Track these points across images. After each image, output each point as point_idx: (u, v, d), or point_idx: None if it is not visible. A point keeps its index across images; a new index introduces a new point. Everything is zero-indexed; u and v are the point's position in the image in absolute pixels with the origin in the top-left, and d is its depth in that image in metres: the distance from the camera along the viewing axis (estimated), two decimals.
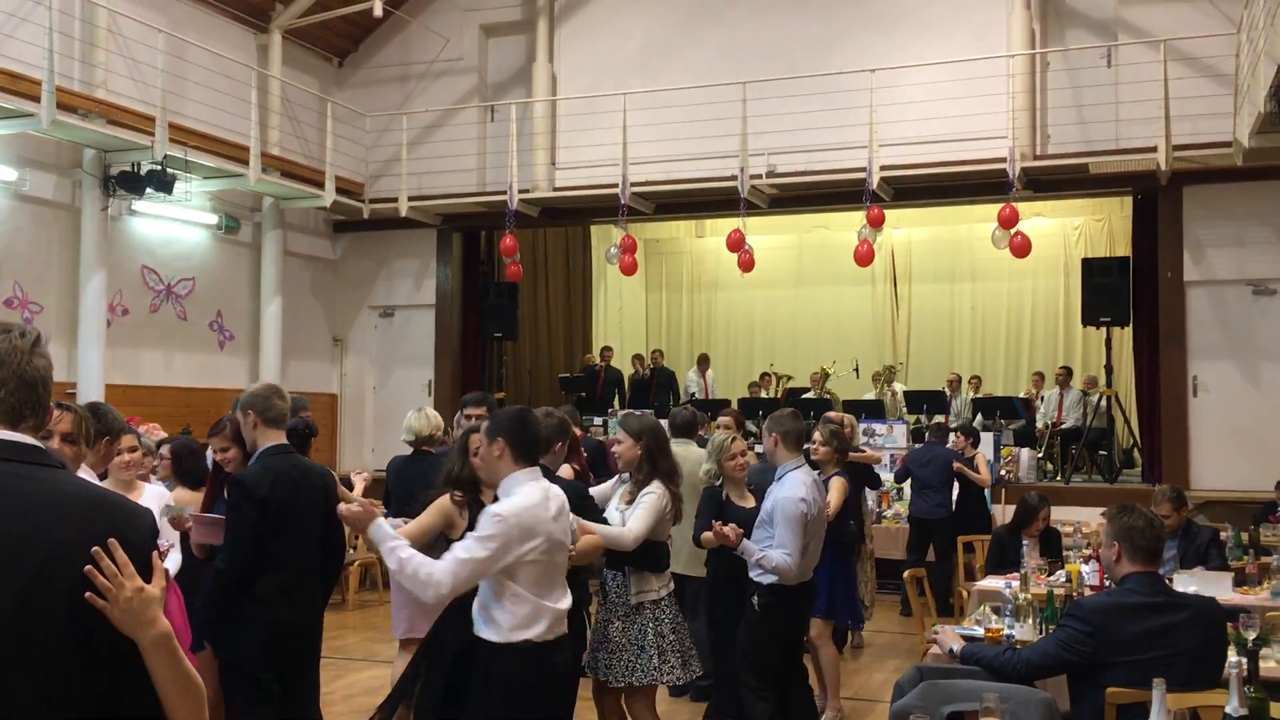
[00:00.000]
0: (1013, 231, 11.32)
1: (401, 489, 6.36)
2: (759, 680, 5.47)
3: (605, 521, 4.99)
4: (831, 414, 9.24)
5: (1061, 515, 9.39)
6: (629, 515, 4.98)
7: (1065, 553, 7.33)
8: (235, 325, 13.28)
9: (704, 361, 16.78)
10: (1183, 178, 11.62)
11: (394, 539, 3.76)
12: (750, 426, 11.78)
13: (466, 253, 14.95)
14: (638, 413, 10.50)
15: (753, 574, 5.48)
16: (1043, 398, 14.54)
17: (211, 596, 4.43)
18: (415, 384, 14.58)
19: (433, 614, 4.03)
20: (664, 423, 8.11)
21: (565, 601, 3.89)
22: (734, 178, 12.10)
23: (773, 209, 13.22)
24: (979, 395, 14.88)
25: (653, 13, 13.75)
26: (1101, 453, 13.04)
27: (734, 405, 12.66)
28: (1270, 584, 6.21)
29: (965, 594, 7.50)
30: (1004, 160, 11.34)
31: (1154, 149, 10.96)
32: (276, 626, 4.41)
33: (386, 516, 5.77)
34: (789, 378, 16.33)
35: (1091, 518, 9.48)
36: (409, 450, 6.68)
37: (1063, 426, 13.76)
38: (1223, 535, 7.40)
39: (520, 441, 3.86)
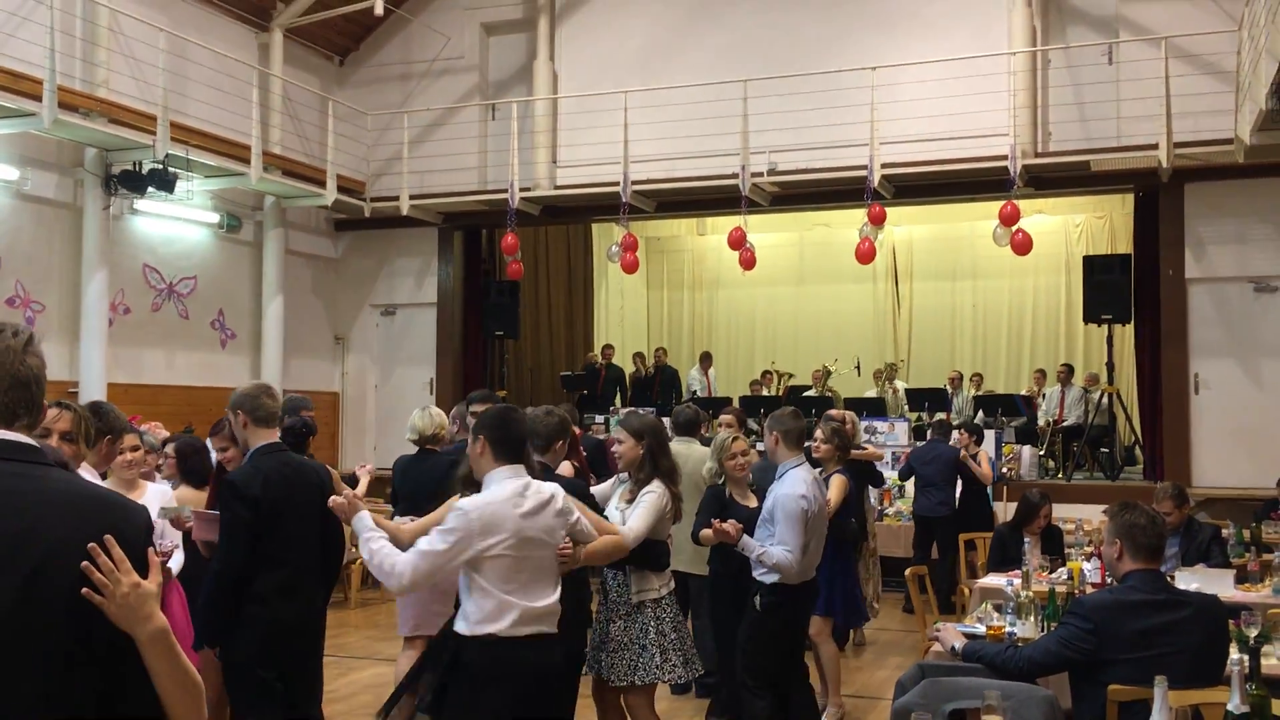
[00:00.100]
0: (1014, 229, 11.32)
1: (407, 488, 6.37)
2: (757, 679, 5.47)
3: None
4: (833, 411, 9.23)
5: (1063, 513, 9.38)
6: (629, 514, 4.98)
7: (1067, 550, 7.33)
8: (237, 324, 13.29)
9: (706, 359, 16.77)
10: (1184, 175, 11.62)
11: (372, 530, 3.90)
12: (752, 424, 11.78)
13: (468, 251, 14.95)
14: (641, 411, 10.50)
15: (756, 573, 5.48)
16: (1044, 395, 14.54)
17: (209, 597, 4.44)
18: (417, 382, 14.59)
19: (439, 612, 4.04)
20: (666, 421, 8.13)
21: (545, 600, 3.88)
22: (735, 175, 12.10)
23: (774, 207, 13.22)
24: (980, 393, 14.88)
25: (654, 11, 13.74)
26: (1103, 450, 13.03)
27: (735, 403, 12.67)
28: (1272, 581, 6.21)
29: (967, 591, 7.50)
30: (1005, 158, 11.34)
31: (1155, 146, 10.97)
32: (276, 625, 4.41)
33: (392, 516, 5.79)
34: (790, 375, 16.33)
35: (1093, 515, 9.47)
36: (412, 449, 6.68)
37: (1064, 424, 13.76)
38: (1224, 532, 7.40)
39: (500, 439, 3.93)
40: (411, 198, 13.57)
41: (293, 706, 4.58)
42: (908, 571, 7.32)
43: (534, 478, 4.16)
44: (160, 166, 10.98)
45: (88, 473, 4.27)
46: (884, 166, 11.81)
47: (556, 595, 3.95)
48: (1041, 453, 13.28)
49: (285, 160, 13.06)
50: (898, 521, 11.42)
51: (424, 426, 6.44)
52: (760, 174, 12.34)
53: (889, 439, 12.58)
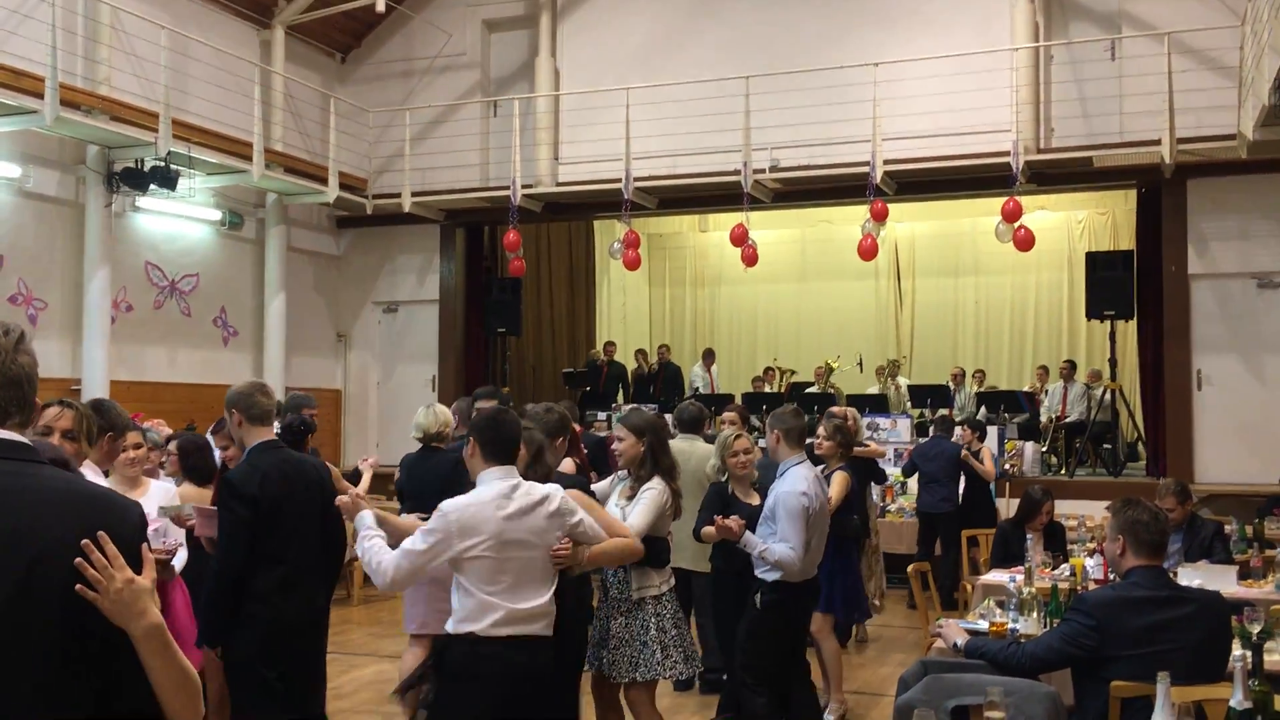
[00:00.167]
0: (1016, 225, 11.31)
1: (413, 485, 6.37)
2: (755, 676, 5.46)
3: None
4: (835, 409, 9.23)
5: (1066, 509, 9.39)
6: (629, 511, 4.98)
7: (1069, 546, 7.33)
8: (239, 321, 13.30)
9: (709, 356, 16.77)
10: (1187, 171, 11.60)
11: (370, 529, 4.02)
12: (755, 421, 11.78)
13: (470, 248, 14.95)
14: (644, 409, 10.50)
15: (758, 571, 5.47)
16: (1047, 391, 14.53)
17: (210, 597, 4.44)
18: (419, 379, 14.60)
19: (445, 610, 4.05)
20: (669, 417, 8.12)
21: (532, 602, 3.87)
22: (737, 172, 12.09)
23: (776, 203, 13.21)
24: (983, 389, 14.87)
25: (655, 7, 13.73)
26: (1106, 446, 13.02)
27: (738, 400, 12.67)
28: (1275, 577, 6.21)
29: (969, 588, 7.50)
30: (1007, 154, 11.32)
31: (1158, 142, 10.96)
32: (277, 624, 4.41)
33: (400, 513, 5.79)
34: (793, 372, 16.32)
35: (1096, 511, 9.47)
36: (415, 447, 6.69)
37: (1067, 420, 13.75)
38: (1227, 529, 7.40)
39: (488, 441, 3.97)
40: (413, 195, 13.57)
41: (295, 705, 4.58)
42: (910, 568, 7.32)
43: (545, 478, 4.16)
44: (162, 164, 10.98)
45: (90, 471, 4.27)
46: (886, 163, 11.80)
47: (546, 598, 3.93)
48: (1044, 449, 13.27)
49: (287, 157, 13.06)
50: (900, 518, 11.42)
51: (428, 424, 6.45)
52: (762, 170, 12.33)
53: (891, 435, 12.57)
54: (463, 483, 4.19)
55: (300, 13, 13.48)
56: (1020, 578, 5.67)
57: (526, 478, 4.32)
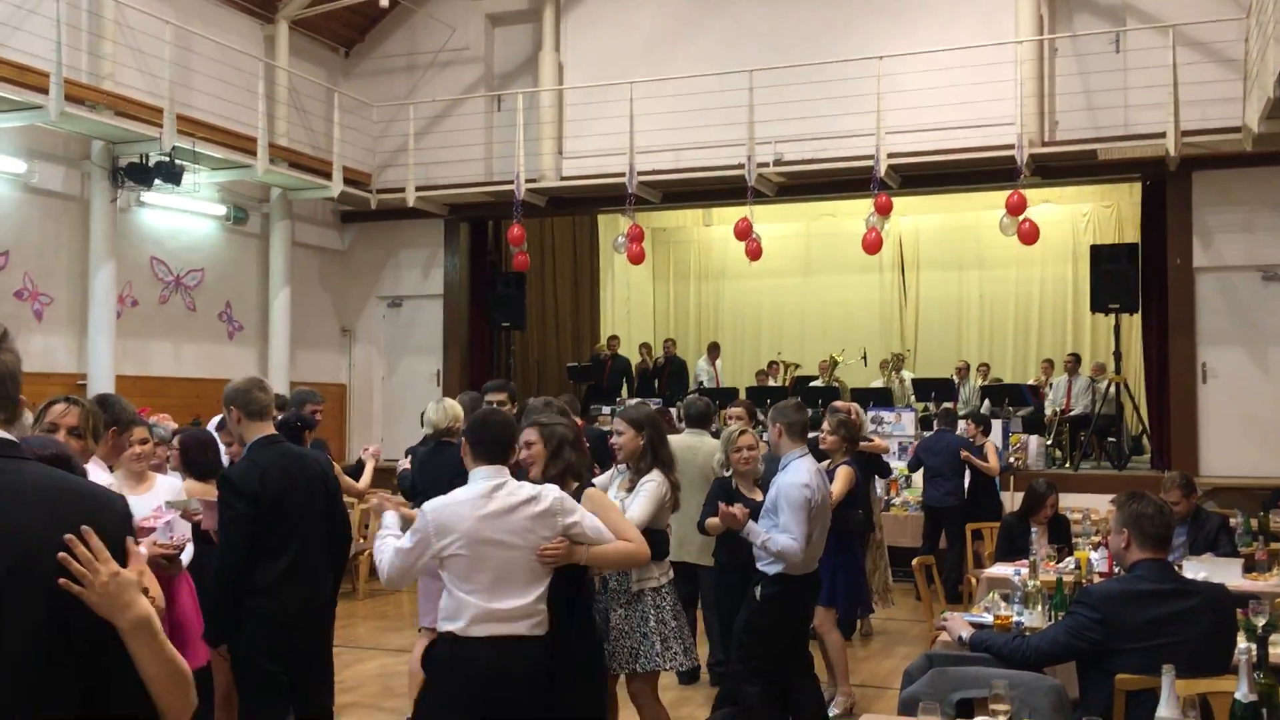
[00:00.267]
0: (1021, 218, 11.29)
1: (425, 480, 6.38)
2: (752, 667, 5.46)
3: None
4: (838, 403, 9.23)
5: (1070, 502, 9.39)
6: (629, 503, 4.99)
7: (1074, 540, 7.33)
8: (244, 316, 13.32)
9: (714, 350, 16.78)
10: (1192, 163, 11.58)
11: (388, 528, 4.16)
12: (762, 416, 11.78)
13: (474, 242, 14.95)
14: (650, 403, 10.51)
15: (759, 563, 5.48)
16: (1051, 385, 14.52)
17: (212, 594, 4.46)
18: (423, 374, 14.61)
19: None
20: (673, 411, 8.12)
21: (511, 602, 3.87)
22: (741, 166, 12.08)
23: (780, 197, 13.20)
24: (987, 383, 14.86)
25: (659, 1, 13.71)
26: (1110, 439, 13.02)
27: (742, 394, 12.67)
28: None
29: (974, 581, 7.50)
30: (1012, 147, 11.31)
31: (1163, 135, 10.93)
32: (282, 618, 4.42)
33: (413, 508, 5.80)
34: (797, 366, 16.33)
35: (1100, 505, 9.47)
36: (419, 442, 6.70)
37: (1071, 413, 13.74)
38: (1232, 522, 7.39)
39: (476, 441, 4.05)
40: (417, 189, 13.57)
41: (301, 698, 4.60)
42: (915, 561, 7.32)
43: (564, 475, 4.25)
44: (167, 159, 10.99)
45: (97, 467, 4.28)
46: (890, 156, 11.79)
47: (528, 599, 3.91)
48: (1049, 442, 13.25)
49: (291, 152, 13.07)
50: (905, 511, 11.42)
51: (438, 419, 6.46)
52: (766, 164, 12.32)
53: (896, 429, 12.57)
54: None
55: (304, 7, 13.48)
56: (1025, 571, 5.69)
57: (546, 473, 4.34)
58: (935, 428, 10.83)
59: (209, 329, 12.84)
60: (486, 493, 3.92)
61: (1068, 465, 12.88)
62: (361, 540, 10.59)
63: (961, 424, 10.91)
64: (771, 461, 6.10)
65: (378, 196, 14.10)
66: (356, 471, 7.58)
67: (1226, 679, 3.58)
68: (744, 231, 12.20)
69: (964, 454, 10.15)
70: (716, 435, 6.88)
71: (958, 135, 11.81)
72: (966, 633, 4.45)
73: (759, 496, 5.84)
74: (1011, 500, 10.65)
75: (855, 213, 13.69)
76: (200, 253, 12.72)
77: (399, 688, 7.36)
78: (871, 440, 8.81)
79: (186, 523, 4.92)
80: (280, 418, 5.63)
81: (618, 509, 4.30)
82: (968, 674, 3.90)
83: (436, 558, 3.88)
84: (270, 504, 4.40)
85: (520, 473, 4.34)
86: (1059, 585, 5.15)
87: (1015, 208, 11.26)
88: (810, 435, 7.07)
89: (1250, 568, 6.26)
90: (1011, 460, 12.11)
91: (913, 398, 14.50)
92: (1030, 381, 14.99)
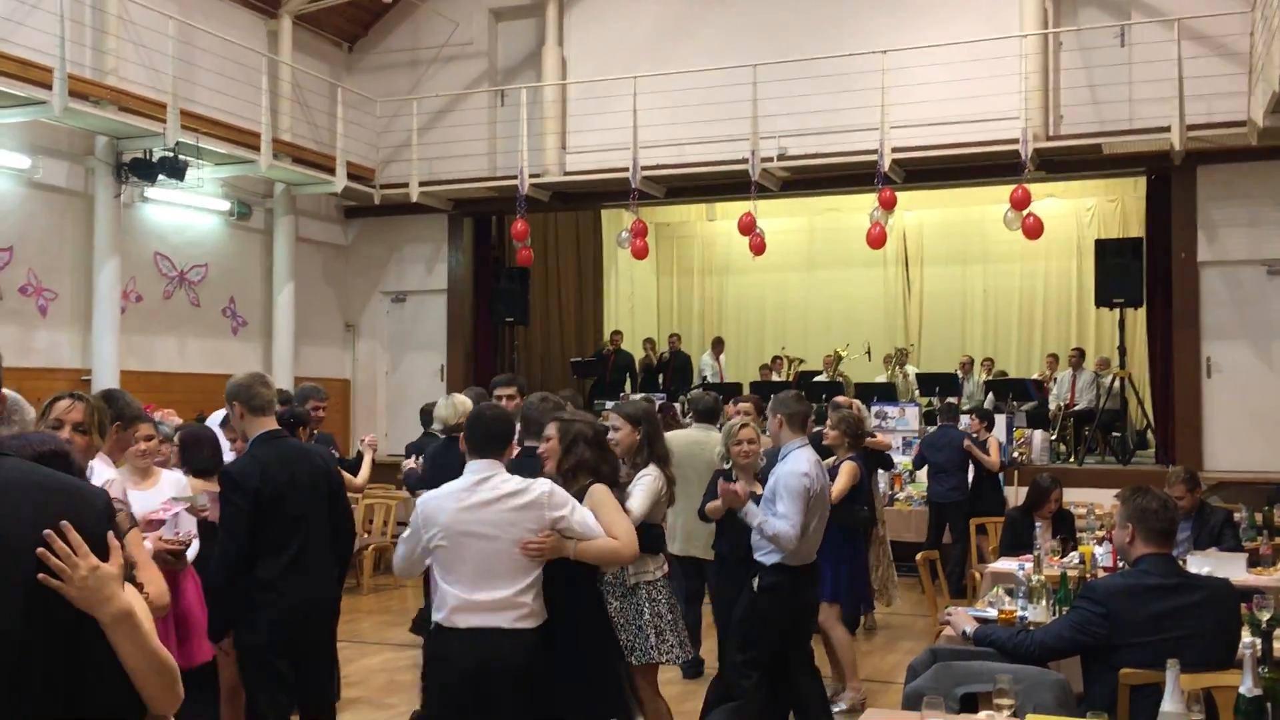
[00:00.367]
0: (1025, 213, 11.27)
1: (438, 475, 6.38)
2: (749, 658, 5.45)
3: None
4: (840, 399, 9.23)
5: (1075, 497, 9.38)
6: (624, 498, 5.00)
7: (1079, 534, 7.32)
8: (248, 311, 13.33)
9: (718, 345, 16.77)
10: (1197, 158, 11.56)
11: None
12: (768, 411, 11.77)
13: (477, 237, 14.96)
14: (655, 399, 10.50)
15: (757, 554, 5.46)
16: (1056, 379, 14.50)
17: (213, 590, 4.47)
18: (427, 369, 14.62)
19: None
20: (677, 406, 8.11)
21: (495, 593, 3.89)
22: (745, 161, 12.08)
23: (784, 192, 13.20)
24: (992, 377, 14.85)
25: None
26: (1115, 434, 13.00)
27: (746, 389, 12.66)
28: None
29: (978, 576, 7.50)
30: (1016, 141, 11.29)
31: (1167, 129, 10.91)
32: (286, 613, 4.43)
33: None
34: (801, 361, 16.32)
35: (1105, 499, 9.46)
36: (419, 437, 6.70)
37: (1076, 408, 13.72)
38: (1237, 516, 7.37)
39: (469, 435, 4.17)
40: (421, 184, 13.58)
41: (306, 693, 4.61)
42: (919, 556, 7.33)
43: (577, 471, 4.28)
44: (171, 154, 11.00)
45: (101, 463, 4.28)
46: (894, 151, 11.77)
47: (510, 590, 3.93)
48: (1053, 437, 13.24)
49: (295, 147, 13.07)
50: (909, 506, 11.42)
51: (448, 416, 6.46)
52: (770, 159, 12.32)
53: (900, 424, 12.57)
54: None
55: (307, 2, 13.48)
56: (1029, 565, 5.68)
57: (559, 467, 4.38)
58: (938, 423, 10.82)
59: (213, 324, 12.85)
60: (471, 485, 4.00)
61: (1072, 460, 12.86)
62: (365, 535, 10.61)
63: (965, 419, 10.90)
64: (772, 456, 6.10)
65: (381, 192, 14.11)
66: (355, 465, 7.57)
67: (1231, 673, 3.58)
68: (748, 226, 12.20)
69: (966, 443, 10.15)
70: None
71: (962, 129, 11.79)
72: (971, 627, 4.45)
73: (759, 490, 5.84)
74: (1015, 495, 10.63)
75: (859, 207, 13.67)
76: (204, 248, 12.73)
77: (403, 682, 7.38)
78: (875, 437, 8.81)
79: (192, 518, 4.92)
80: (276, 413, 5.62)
81: (616, 506, 4.27)
82: (972, 668, 3.90)
83: (427, 547, 3.99)
84: (272, 499, 4.40)
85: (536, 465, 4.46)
86: (1063, 580, 5.15)
87: (1020, 202, 11.24)
88: (815, 430, 7.09)
89: (1255, 562, 6.27)
90: (1016, 455, 12.10)
91: (917, 393, 14.49)
92: (1035, 376, 14.96)
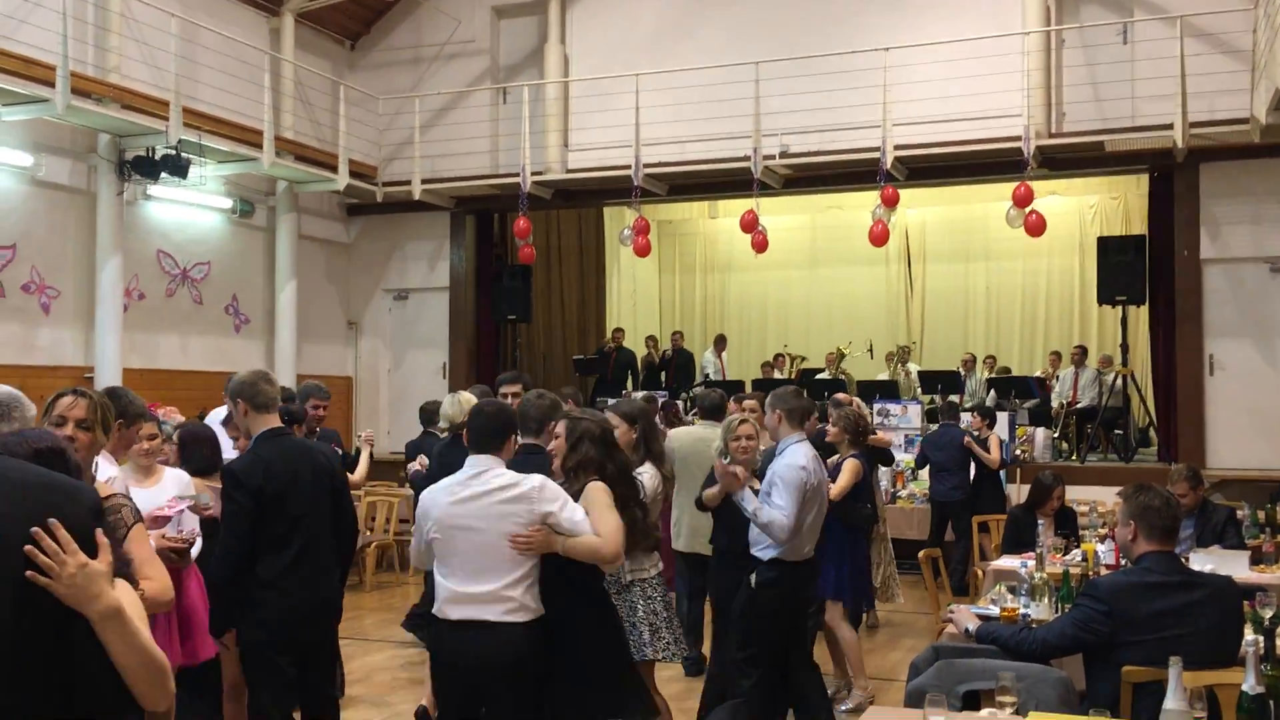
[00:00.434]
0: (1028, 210, 11.27)
1: (444, 473, 6.38)
2: (748, 655, 5.44)
3: None
4: (840, 396, 9.22)
5: (1077, 495, 9.40)
6: None
7: (1081, 532, 7.32)
8: (250, 309, 13.34)
9: (720, 342, 16.76)
10: (1199, 155, 11.55)
11: None
12: None
13: (480, 235, 14.96)
14: (659, 395, 10.51)
15: (754, 549, 5.45)
16: (1058, 377, 14.49)
17: (214, 586, 4.47)
18: (429, 366, 14.63)
19: None
20: (679, 404, 8.10)
21: (484, 585, 3.96)
22: (747, 158, 12.07)
23: (786, 189, 13.19)
24: (994, 375, 14.84)
25: None
26: (1117, 432, 12.99)
27: (748, 386, 12.65)
28: None
29: (981, 573, 7.50)
30: (1019, 139, 11.28)
31: (1170, 126, 10.90)
32: (289, 611, 4.43)
33: None
34: (803, 358, 16.31)
35: (1107, 497, 9.46)
36: (419, 435, 6.70)
37: (1078, 406, 13.72)
38: (1239, 514, 7.38)
39: (469, 431, 4.30)
40: (423, 182, 13.58)
41: (308, 690, 4.61)
42: (921, 554, 7.32)
43: (582, 468, 4.30)
44: (173, 152, 11.00)
45: (104, 460, 4.28)
46: (897, 148, 11.77)
47: (500, 583, 3.97)
48: (1055, 435, 13.24)
49: (297, 145, 13.07)
50: (911, 504, 11.42)
51: (454, 414, 6.46)
52: (772, 156, 12.31)
53: (902, 422, 12.55)
54: None
55: (309, 0, 13.49)
56: (1031, 563, 5.68)
57: (564, 464, 4.41)
58: (939, 422, 10.82)
59: (215, 322, 12.86)
60: (465, 479, 4.10)
61: (1074, 457, 12.86)
62: (367, 533, 10.62)
63: (966, 417, 10.90)
64: (769, 455, 6.10)
65: (383, 189, 14.11)
66: (352, 463, 7.57)
67: (1234, 671, 3.58)
68: (750, 224, 12.20)
69: (966, 440, 10.15)
70: None
71: (964, 127, 11.78)
72: (973, 625, 4.45)
73: (757, 486, 5.84)
74: (1018, 493, 10.63)
75: (861, 205, 13.67)
76: (206, 246, 12.74)
77: (406, 680, 7.39)
78: (877, 434, 8.81)
79: (195, 516, 4.93)
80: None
81: (607, 505, 4.26)
82: (974, 666, 3.90)
83: (426, 542, 4.13)
84: (274, 497, 4.41)
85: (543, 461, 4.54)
86: (1065, 577, 5.15)
87: (1022, 200, 11.23)
88: (820, 428, 7.09)
89: (1257, 560, 6.26)
90: (1018, 453, 12.09)
91: (919, 390, 14.48)
92: (1037, 374, 14.95)
